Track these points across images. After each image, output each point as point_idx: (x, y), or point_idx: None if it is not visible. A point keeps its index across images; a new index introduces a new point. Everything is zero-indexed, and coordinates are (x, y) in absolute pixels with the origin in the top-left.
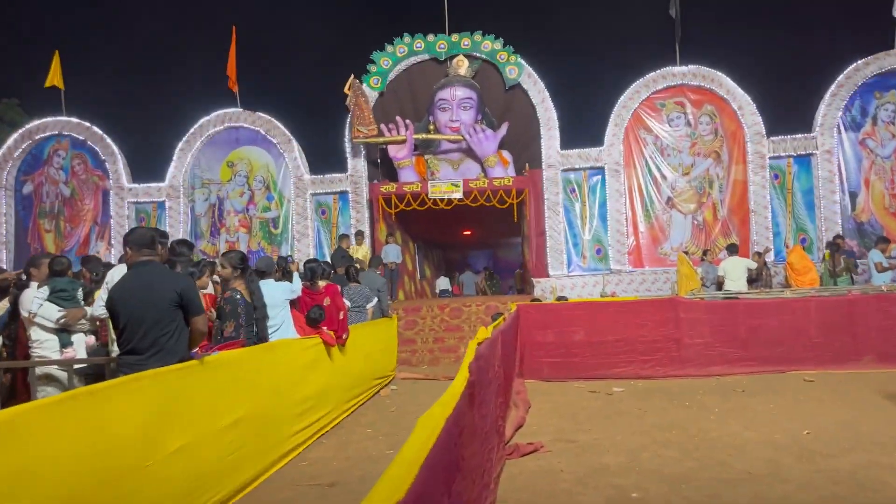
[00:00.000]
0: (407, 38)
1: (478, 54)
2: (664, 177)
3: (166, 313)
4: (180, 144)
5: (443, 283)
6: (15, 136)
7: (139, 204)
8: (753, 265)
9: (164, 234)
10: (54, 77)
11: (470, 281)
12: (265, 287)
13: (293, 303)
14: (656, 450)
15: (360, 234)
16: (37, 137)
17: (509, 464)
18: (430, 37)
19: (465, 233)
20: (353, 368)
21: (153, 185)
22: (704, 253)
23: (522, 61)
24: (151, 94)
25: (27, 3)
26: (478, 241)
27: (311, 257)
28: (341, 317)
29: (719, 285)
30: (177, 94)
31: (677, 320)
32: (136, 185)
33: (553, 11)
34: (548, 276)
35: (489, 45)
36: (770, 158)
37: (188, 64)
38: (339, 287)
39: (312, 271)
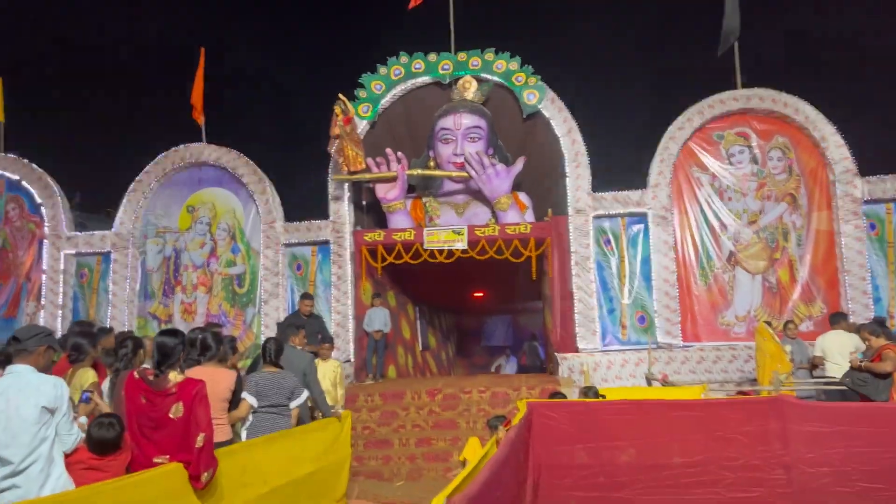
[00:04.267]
0: (404, 58)
1: (489, 76)
2: (724, 226)
3: None
4: (132, 185)
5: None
6: None
7: (80, 256)
8: (863, 345)
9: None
10: None
11: (513, 366)
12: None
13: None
14: None
15: (306, 297)
16: None
17: None
18: (432, 56)
19: (477, 294)
20: None
21: (97, 233)
22: (786, 325)
23: (544, 84)
24: (104, 127)
25: None
26: (494, 305)
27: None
28: (200, 443)
29: (812, 368)
30: (132, 127)
31: (785, 434)
32: (77, 234)
33: (580, 25)
34: (576, 350)
35: (503, 64)
36: (864, 203)
37: (148, 92)
38: (205, 386)
39: (163, 351)
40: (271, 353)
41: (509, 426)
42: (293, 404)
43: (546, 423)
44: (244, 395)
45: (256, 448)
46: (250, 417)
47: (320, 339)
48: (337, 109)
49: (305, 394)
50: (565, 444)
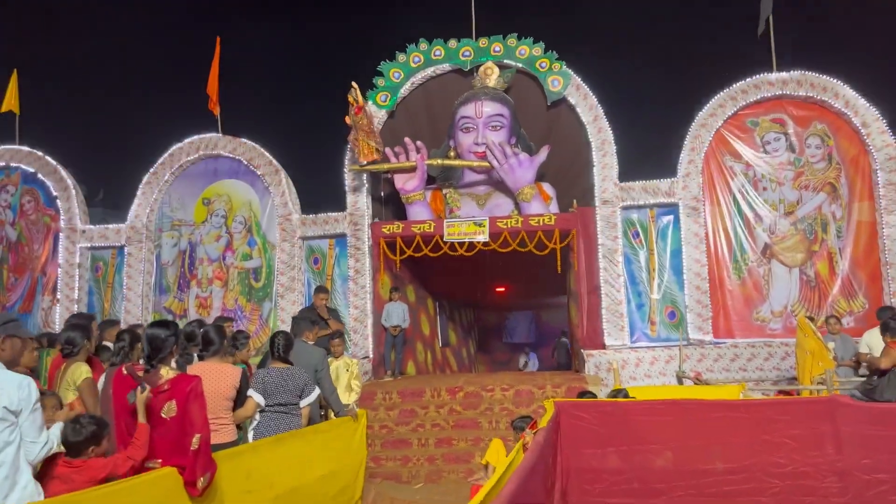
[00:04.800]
0: (423, 45)
1: (512, 62)
2: (759, 217)
3: None
4: (146, 177)
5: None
6: None
7: (94, 250)
8: None
9: None
10: (11, 100)
11: (535, 364)
12: None
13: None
14: None
15: (321, 290)
16: None
17: None
18: (452, 42)
19: (499, 289)
20: None
21: (112, 226)
22: (828, 320)
23: (568, 70)
24: (119, 120)
25: None
26: (516, 300)
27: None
28: (195, 445)
29: (857, 366)
30: (148, 119)
31: (839, 438)
32: (92, 227)
33: (607, 7)
34: (603, 347)
35: (526, 50)
36: None
37: (163, 84)
38: (200, 382)
39: (154, 344)
40: (280, 347)
41: (535, 428)
42: (303, 402)
43: (575, 424)
44: (250, 392)
45: (262, 450)
46: (257, 417)
47: (330, 336)
48: (350, 98)
49: (317, 391)
50: (596, 447)
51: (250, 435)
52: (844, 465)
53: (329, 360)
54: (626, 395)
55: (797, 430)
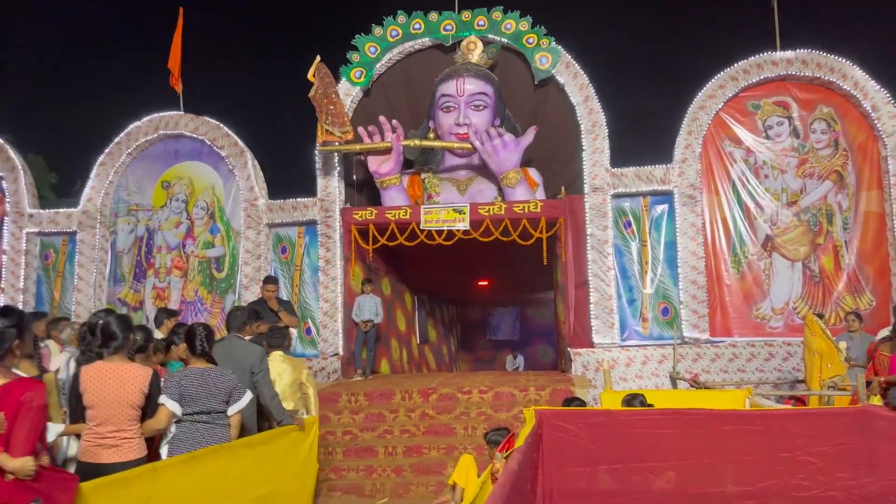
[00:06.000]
0: (402, 18)
1: (497, 37)
2: (760, 207)
3: None
4: (101, 158)
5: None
6: None
7: (44, 235)
8: None
9: None
10: None
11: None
12: None
13: None
14: None
15: (269, 280)
16: None
17: None
18: (433, 15)
19: (482, 283)
20: None
21: (62, 211)
22: (847, 316)
23: (558, 46)
24: (72, 95)
25: None
26: (501, 295)
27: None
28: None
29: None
30: (103, 95)
31: (872, 456)
32: (41, 212)
33: None
34: (591, 345)
35: (512, 24)
36: None
37: (121, 57)
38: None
39: None
40: (202, 341)
41: (513, 444)
42: (232, 410)
43: (560, 437)
44: (162, 399)
45: (169, 471)
46: (173, 429)
47: (270, 332)
48: (312, 75)
49: (248, 396)
50: (584, 465)
51: (164, 451)
52: (879, 489)
53: (275, 356)
54: (644, 402)
55: (823, 447)
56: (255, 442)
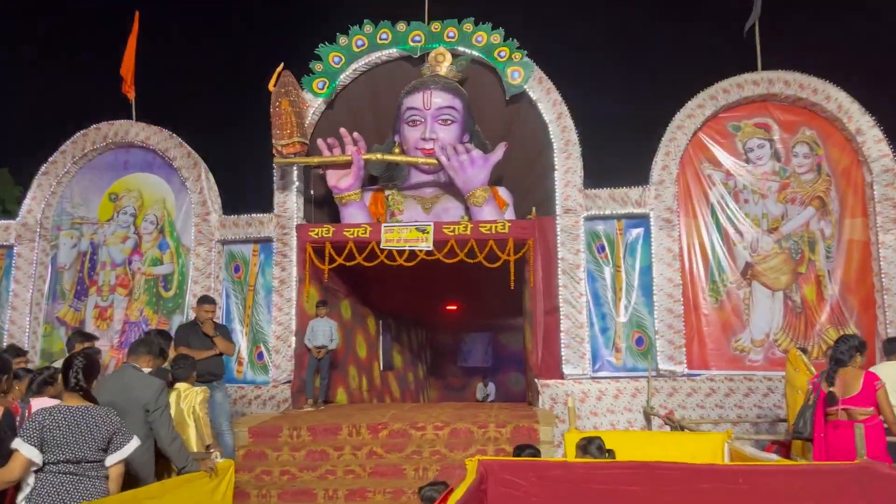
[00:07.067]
0: (368, 27)
1: (467, 49)
2: (740, 233)
3: None
4: (43, 167)
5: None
6: None
7: None
8: None
9: None
10: None
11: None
12: None
13: None
14: None
15: (205, 300)
16: None
17: None
18: (401, 25)
19: (450, 307)
20: None
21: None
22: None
23: (530, 61)
24: (14, 99)
25: None
26: (471, 320)
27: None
28: None
29: None
30: (50, 101)
31: None
32: None
33: None
34: (561, 377)
35: (484, 37)
36: None
37: (69, 62)
38: None
39: None
40: (76, 372)
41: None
42: (112, 459)
43: (508, 493)
44: (16, 443)
45: None
46: (31, 481)
47: (173, 362)
48: (272, 85)
49: (134, 443)
50: None
51: None
52: None
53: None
54: (602, 448)
55: None
56: (144, 496)
